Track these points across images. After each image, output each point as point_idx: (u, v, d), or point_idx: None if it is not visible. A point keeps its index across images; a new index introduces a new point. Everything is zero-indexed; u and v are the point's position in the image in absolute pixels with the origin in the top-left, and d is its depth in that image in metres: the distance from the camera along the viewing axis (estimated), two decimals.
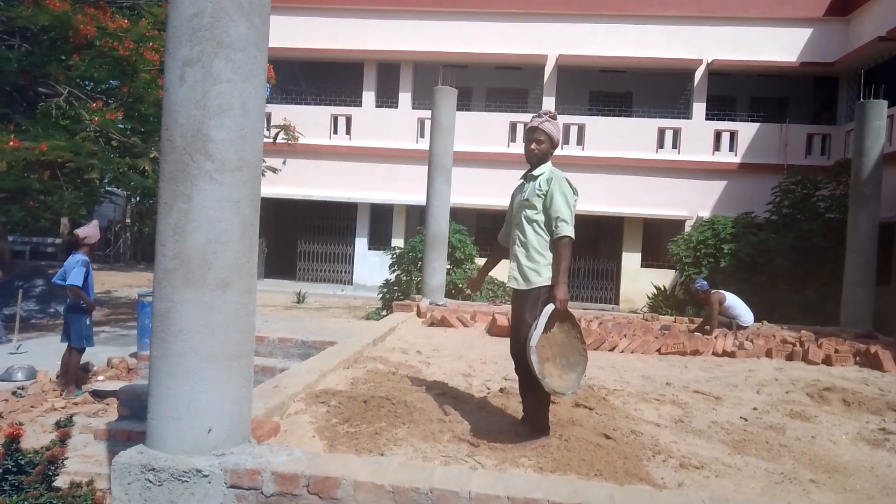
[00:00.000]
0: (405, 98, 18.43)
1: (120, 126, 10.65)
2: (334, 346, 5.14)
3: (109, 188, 14.24)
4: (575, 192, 3.35)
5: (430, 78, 17.48)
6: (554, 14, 17.37)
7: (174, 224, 2.59)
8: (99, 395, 6.31)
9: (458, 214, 12.63)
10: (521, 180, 3.53)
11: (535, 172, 3.41)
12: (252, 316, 2.79)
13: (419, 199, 11.62)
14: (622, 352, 6.28)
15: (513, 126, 17.22)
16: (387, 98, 18.84)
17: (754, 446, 3.53)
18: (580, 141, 17.13)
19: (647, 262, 17.08)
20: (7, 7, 8.84)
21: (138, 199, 19.96)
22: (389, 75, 18.66)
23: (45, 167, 9.41)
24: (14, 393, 6.38)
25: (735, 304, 7.75)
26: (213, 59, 2.56)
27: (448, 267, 10.02)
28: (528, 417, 3.43)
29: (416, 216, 16.65)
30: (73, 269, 6.51)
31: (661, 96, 18.22)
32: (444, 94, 8.71)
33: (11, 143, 8.11)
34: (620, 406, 4.20)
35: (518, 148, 13.64)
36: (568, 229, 3.23)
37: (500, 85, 19.47)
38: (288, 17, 17.51)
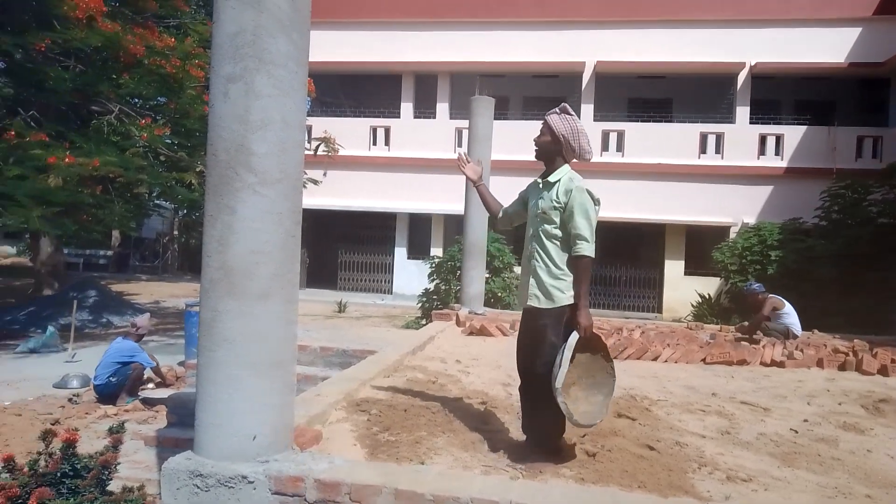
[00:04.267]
0: (443, 108, 18.56)
1: (167, 141, 11.01)
2: (374, 356, 5.18)
3: (157, 201, 14.71)
4: (597, 203, 3.09)
5: (468, 88, 17.56)
6: (590, 21, 17.28)
7: (218, 236, 2.66)
8: (148, 403, 6.50)
9: (494, 224, 12.60)
10: (538, 182, 3.27)
11: (551, 178, 3.16)
12: (293, 325, 2.84)
13: (457, 208, 11.67)
14: (665, 361, 6.16)
15: None
16: (424, 109, 19.00)
17: (805, 459, 3.41)
18: (620, 148, 16.95)
19: (691, 269, 16.74)
20: (63, 30, 9.23)
21: (185, 211, 20.59)
22: (427, 86, 18.82)
23: (98, 182, 9.78)
24: (70, 400, 6.63)
25: (791, 311, 7.53)
26: (254, 75, 2.63)
27: (487, 276, 10.00)
28: (538, 440, 3.18)
29: (455, 225, 16.69)
30: (140, 354, 6.99)
31: (702, 101, 17.90)
32: (480, 103, 8.73)
33: (67, 160, 8.46)
34: (664, 417, 4.12)
35: None
36: (588, 248, 3.00)
37: (537, 93, 19.42)
38: (327, 32, 17.86)
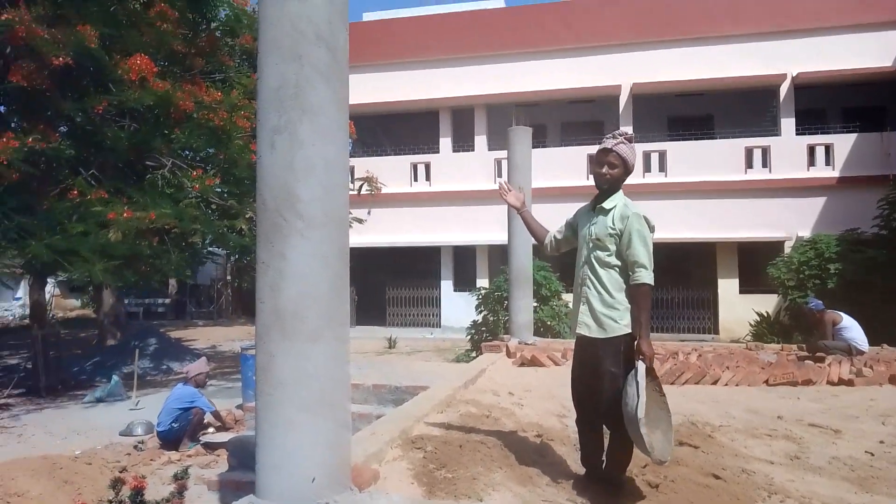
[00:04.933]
0: (481, 140, 18.75)
1: (218, 190, 11.41)
2: (427, 391, 5.18)
3: (211, 248, 15.21)
4: (652, 229, 3.02)
5: (504, 118, 17.75)
6: (625, 44, 17.31)
7: (270, 281, 2.74)
8: (210, 447, 6.64)
9: (541, 251, 12.57)
10: (590, 209, 3.21)
11: (605, 205, 3.08)
12: (345, 364, 2.87)
13: (501, 238, 11.65)
14: (725, 385, 5.96)
15: (590, 159, 17.07)
16: (463, 142, 19.24)
17: (884, 484, 3.24)
18: (662, 168, 16.73)
19: (746, 287, 16.22)
20: (118, 92, 9.77)
21: (237, 256, 21.16)
22: (464, 120, 19.09)
23: (154, 234, 10.19)
24: (135, 447, 6.83)
25: (851, 325, 7.22)
26: (298, 125, 2.73)
27: (535, 304, 9.93)
28: (599, 473, 3.13)
29: (499, 255, 16.68)
30: (200, 399, 7.19)
31: (744, 115, 17.58)
32: (518, 134, 8.79)
33: (125, 214, 8.87)
34: (728, 443, 3.98)
35: None
36: (647, 276, 2.93)
37: (574, 119, 19.46)
38: (364, 75, 18.40)
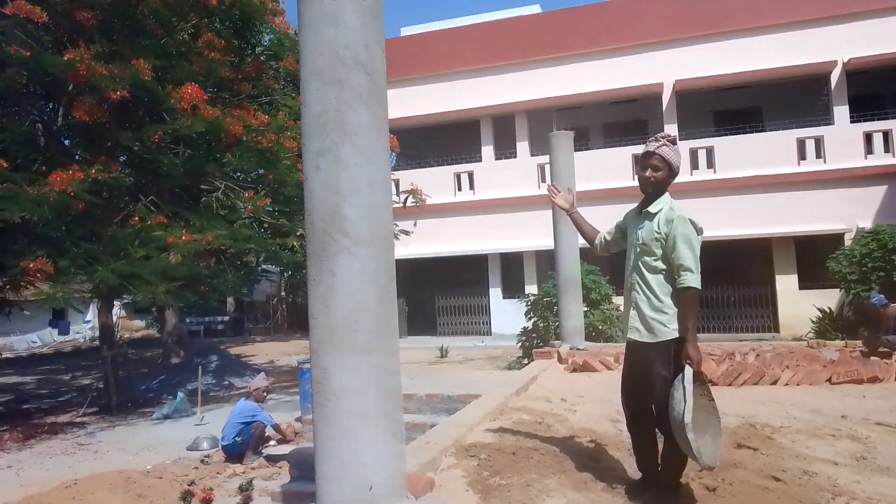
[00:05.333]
0: (522, 147, 18.74)
1: (269, 209, 11.78)
2: (479, 399, 5.23)
3: (264, 266, 15.68)
4: (699, 232, 3.00)
5: (546, 123, 17.68)
6: (665, 41, 17.06)
7: (321, 298, 2.85)
8: (272, 459, 6.85)
9: (588, 254, 12.45)
10: (636, 213, 3.22)
11: (651, 209, 3.08)
12: (396, 375, 2.95)
13: (547, 243, 11.61)
14: (786, 385, 5.80)
15: (635, 158, 16.83)
16: (505, 149, 19.27)
17: None
18: (710, 164, 16.37)
19: (806, 283, 15.66)
20: (172, 121, 10.23)
21: (289, 272, 21.70)
22: (505, 127, 19.12)
23: (211, 255, 10.59)
24: (202, 461, 7.10)
25: None
26: (340, 147, 2.84)
27: (585, 309, 9.85)
28: (654, 477, 3.12)
29: (547, 260, 16.59)
30: (260, 413, 7.40)
31: (794, 106, 17.04)
32: (559, 138, 8.78)
33: (184, 238, 9.26)
34: (788, 444, 3.89)
35: None
36: (693, 279, 2.90)
37: (616, 119, 19.25)
38: (404, 89, 18.68)
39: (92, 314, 27.72)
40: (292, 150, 11.08)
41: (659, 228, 3.00)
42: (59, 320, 28.88)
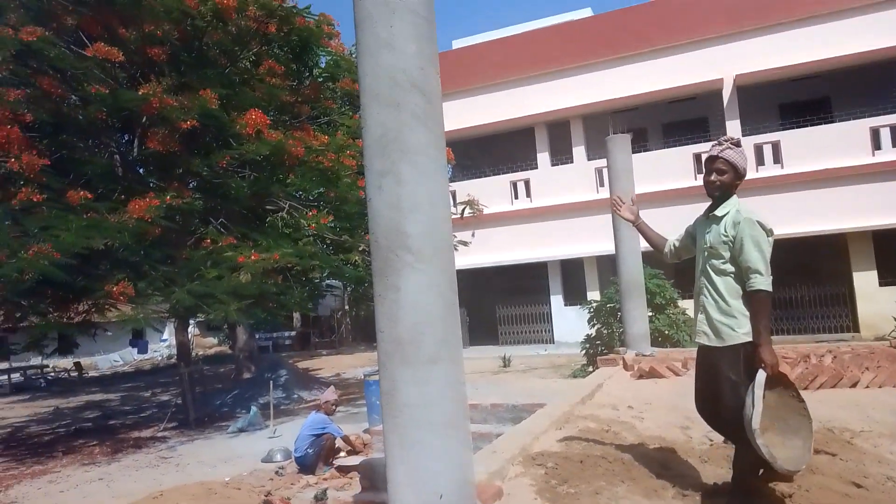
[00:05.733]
0: (579, 151, 18.59)
1: (330, 226, 12.12)
2: (545, 408, 5.23)
3: (329, 281, 16.09)
4: (769, 233, 2.95)
5: (602, 126, 17.50)
6: (722, 35, 16.62)
7: (388, 312, 2.96)
8: (343, 470, 7.04)
9: (651, 258, 12.23)
10: (704, 217, 3.20)
11: (718, 212, 3.07)
12: (462, 385, 3.03)
13: (608, 247, 11.48)
14: (866, 387, 5.55)
15: (697, 157, 16.44)
16: (561, 155, 19.16)
17: None
18: (777, 159, 15.78)
19: (886, 279, 14.85)
20: (238, 146, 10.72)
21: (352, 287, 22.18)
22: (560, 133, 19.02)
23: (279, 273, 10.98)
24: (276, 472, 7.36)
25: None
26: (401, 166, 2.95)
27: (649, 314, 9.67)
28: (734, 484, 3.08)
29: (608, 265, 16.34)
30: (330, 425, 7.64)
31: (865, 94, 16.22)
32: (616, 142, 8.68)
33: (253, 257, 9.65)
34: (870, 449, 3.74)
35: None
36: (763, 282, 2.85)
37: (675, 118, 18.83)
38: (458, 101, 18.87)
39: (168, 333, 29.08)
40: (352, 168, 11.38)
41: (726, 231, 2.98)
42: (138, 339, 30.37)
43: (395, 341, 2.92)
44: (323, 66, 14.65)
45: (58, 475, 8.44)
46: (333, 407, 8.11)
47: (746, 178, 3.18)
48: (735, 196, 3.10)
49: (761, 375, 2.80)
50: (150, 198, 9.58)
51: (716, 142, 3.13)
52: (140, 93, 9.61)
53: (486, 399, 5.84)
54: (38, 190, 9.21)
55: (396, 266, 2.95)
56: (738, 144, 3.08)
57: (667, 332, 10.47)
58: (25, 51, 9.32)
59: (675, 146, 17.55)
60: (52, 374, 23.18)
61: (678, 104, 18.26)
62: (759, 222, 2.94)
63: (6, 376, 20.92)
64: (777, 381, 2.89)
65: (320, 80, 14.27)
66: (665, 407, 5.33)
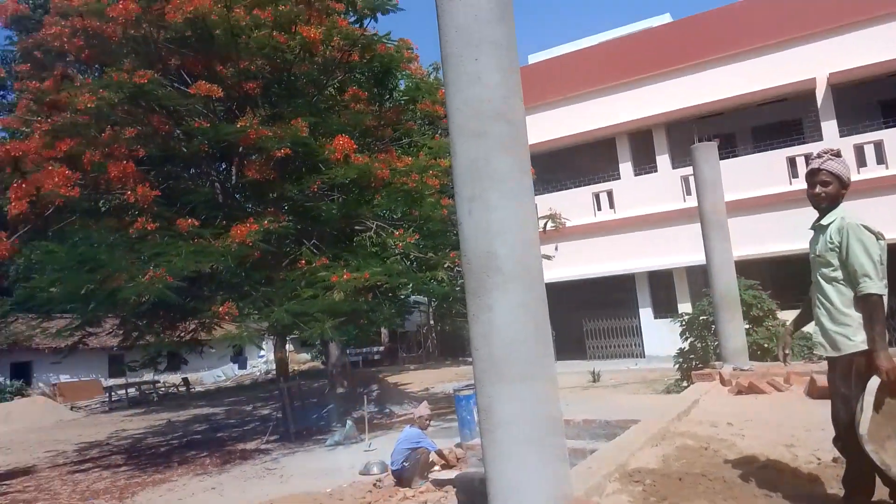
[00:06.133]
0: (663, 160, 18.15)
1: (416, 244, 12.45)
2: (639, 424, 5.18)
3: (415, 298, 16.48)
4: (878, 237, 2.89)
5: (687, 133, 17.01)
6: (813, 34, 15.83)
7: (482, 331, 3.09)
8: (438, 484, 7.19)
9: (745, 268, 11.75)
10: (812, 230, 3.20)
11: (823, 221, 3.07)
12: (556, 401, 3.10)
13: (698, 257, 11.13)
14: None
15: (791, 161, 15.66)
16: (643, 164, 18.75)
17: None
18: (881, 160, 14.80)
19: None
20: (327, 170, 11.25)
21: (437, 302, 22.52)
22: (643, 142, 18.64)
23: (369, 290, 11.38)
24: (374, 484, 7.62)
25: None
26: (489, 192, 3.09)
27: (747, 327, 9.28)
28: (844, 500, 3.03)
29: (699, 276, 15.80)
30: (425, 440, 7.80)
31: None
32: (702, 150, 8.46)
33: (345, 276, 10.07)
34: None
35: (800, 183, 12.33)
36: (874, 285, 2.81)
37: (765, 122, 18.02)
38: (537, 115, 18.90)
39: (266, 349, 30.52)
40: (435, 187, 11.67)
41: (832, 238, 2.98)
42: (238, 356, 32.12)
43: (489, 359, 3.04)
44: (403, 88, 15.11)
45: (175, 483, 9.08)
46: (427, 422, 8.30)
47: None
48: (842, 205, 3.08)
49: (874, 382, 2.74)
50: (250, 223, 10.19)
51: (815, 155, 3.14)
52: (238, 125, 10.29)
53: (578, 415, 5.84)
54: (150, 219, 10.04)
55: (488, 286, 3.07)
56: (838, 155, 3.08)
57: (766, 345, 9.99)
58: (138, 92, 10.21)
59: (767, 150, 16.79)
60: (163, 389, 24.86)
61: (768, 107, 17.47)
62: (865, 226, 2.91)
63: (125, 391, 22.61)
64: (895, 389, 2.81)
65: (401, 102, 14.73)
66: (767, 424, 5.15)
